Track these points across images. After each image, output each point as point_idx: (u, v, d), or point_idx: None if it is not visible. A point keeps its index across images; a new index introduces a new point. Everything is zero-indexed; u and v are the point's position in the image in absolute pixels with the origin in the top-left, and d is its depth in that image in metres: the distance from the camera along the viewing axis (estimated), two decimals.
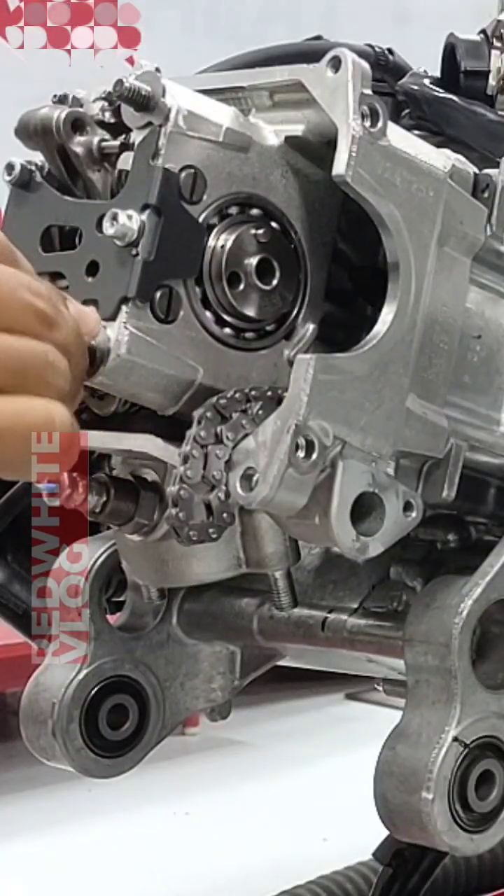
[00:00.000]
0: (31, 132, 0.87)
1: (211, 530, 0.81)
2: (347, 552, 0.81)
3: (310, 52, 1.10)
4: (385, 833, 1.02)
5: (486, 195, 0.87)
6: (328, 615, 0.99)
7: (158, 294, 0.80)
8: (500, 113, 1.13)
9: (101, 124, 0.87)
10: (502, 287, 0.90)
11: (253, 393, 0.81)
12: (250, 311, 0.82)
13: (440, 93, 1.14)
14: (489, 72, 1.15)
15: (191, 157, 0.80)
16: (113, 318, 0.79)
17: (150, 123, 0.81)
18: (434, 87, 1.15)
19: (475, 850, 0.88)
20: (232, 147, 0.81)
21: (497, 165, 0.87)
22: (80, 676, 1.02)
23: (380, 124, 0.79)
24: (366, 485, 0.81)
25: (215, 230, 0.82)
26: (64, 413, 0.71)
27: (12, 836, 2.81)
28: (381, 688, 1.10)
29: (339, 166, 0.79)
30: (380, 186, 0.80)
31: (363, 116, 0.79)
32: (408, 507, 0.83)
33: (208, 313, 0.82)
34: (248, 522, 0.89)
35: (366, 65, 0.80)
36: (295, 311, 0.84)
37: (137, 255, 0.79)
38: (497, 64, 1.15)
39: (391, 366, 0.81)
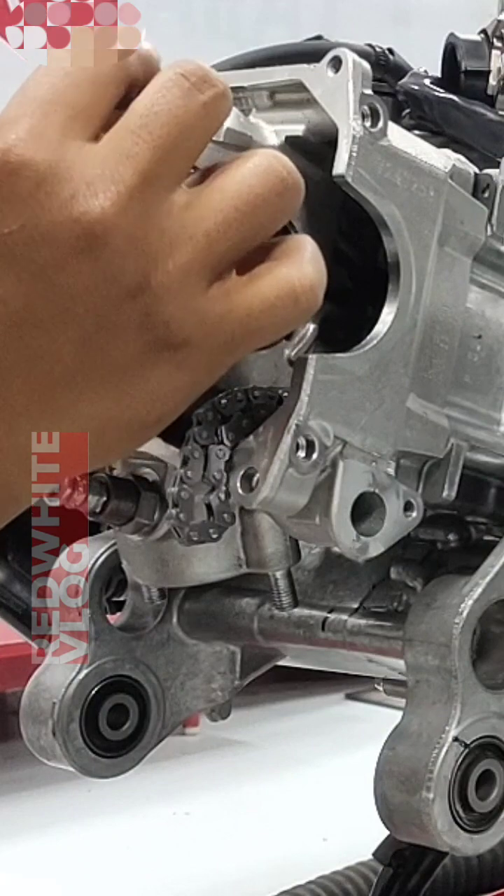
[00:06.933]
0: None
1: (211, 531, 0.81)
2: (348, 552, 0.81)
3: (310, 52, 1.10)
4: (385, 833, 1.02)
5: (486, 195, 0.87)
6: (328, 615, 0.99)
7: None
8: (500, 113, 1.13)
9: None
10: (502, 287, 0.90)
11: (253, 393, 0.81)
12: None
13: (441, 93, 1.14)
14: (489, 72, 1.15)
15: None
16: None
17: None
18: (434, 87, 1.15)
19: (475, 850, 0.88)
20: (233, 147, 0.81)
21: (498, 165, 0.87)
22: (81, 676, 1.02)
23: (380, 124, 0.79)
24: (366, 485, 0.81)
25: None
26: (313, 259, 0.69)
27: (12, 836, 2.81)
28: (381, 688, 1.10)
29: (340, 166, 0.79)
30: (380, 186, 0.80)
31: (363, 116, 0.79)
32: (408, 507, 0.83)
33: None
34: (248, 522, 0.89)
35: (366, 65, 0.80)
36: None
37: None
38: (497, 64, 1.15)
39: (391, 366, 0.81)
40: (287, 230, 0.83)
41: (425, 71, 1.20)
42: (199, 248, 0.65)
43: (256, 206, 0.67)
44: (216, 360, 0.68)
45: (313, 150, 0.83)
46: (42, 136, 0.63)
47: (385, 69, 1.20)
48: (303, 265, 0.68)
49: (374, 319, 0.82)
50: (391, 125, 0.80)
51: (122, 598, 1.06)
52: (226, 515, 0.81)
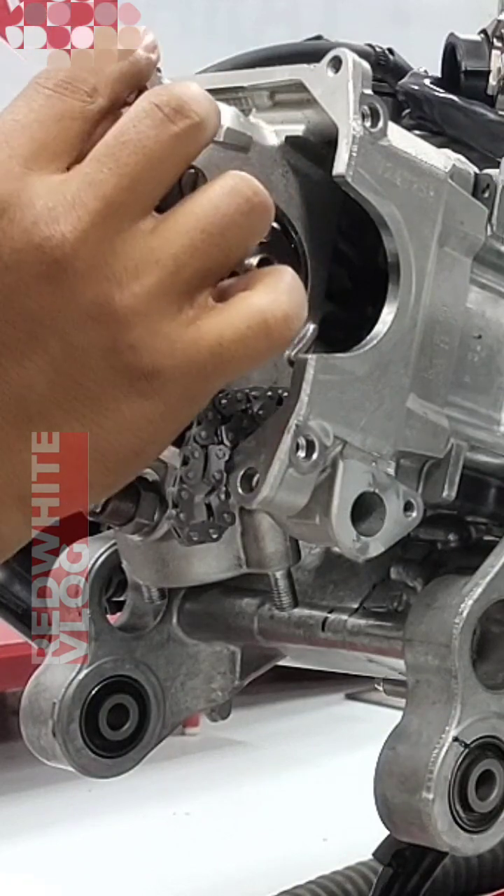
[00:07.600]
0: None
1: (211, 531, 0.81)
2: (348, 552, 0.81)
3: (310, 52, 1.10)
4: (385, 833, 1.02)
5: (486, 195, 0.87)
6: (328, 615, 0.99)
7: None
8: (500, 113, 1.13)
9: None
10: (502, 287, 0.90)
11: (253, 393, 0.81)
12: None
13: (441, 93, 1.14)
14: (489, 72, 1.15)
15: None
16: None
17: None
18: (434, 87, 1.15)
19: (475, 850, 0.88)
20: (232, 147, 0.81)
21: (498, 165, 0.87)
22: (81, 676, 1.02)
23: (380, 124, 0.79)
24: (366, 485, 0.81)
25: None
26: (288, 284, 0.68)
27: (12, 836, 2.81)
28: (381, 688, 1.09)
29: (340, 166, 0.79)
30: (380, 186, 0.80)
31: (364, 116, 0.79)
32: (408, 507, 0.83)
33: None
34: (248, 522, 0.89)
35: (366, 65, 0.80)
36: None
37: None
38: (497, 64, 1.15)
39: (391, 366, 0.81)
40: (289, 236, 0.83)
41: (425, 71, 1.19)
42: (167, 271, 0.65)
43: (224, 227, 0.66)
44: (190, 391, 0.67)
45: (313, 150, 0.83)
46: (4, 169, 0.64)
47: (385, 69, 1.20)
48: (278, 295, 0.67)
49: (374, 319, 0.82)
50: (391, 125, 0.81)
51: (122, 598, 1.06)
52: (226, 515, 0.81)
